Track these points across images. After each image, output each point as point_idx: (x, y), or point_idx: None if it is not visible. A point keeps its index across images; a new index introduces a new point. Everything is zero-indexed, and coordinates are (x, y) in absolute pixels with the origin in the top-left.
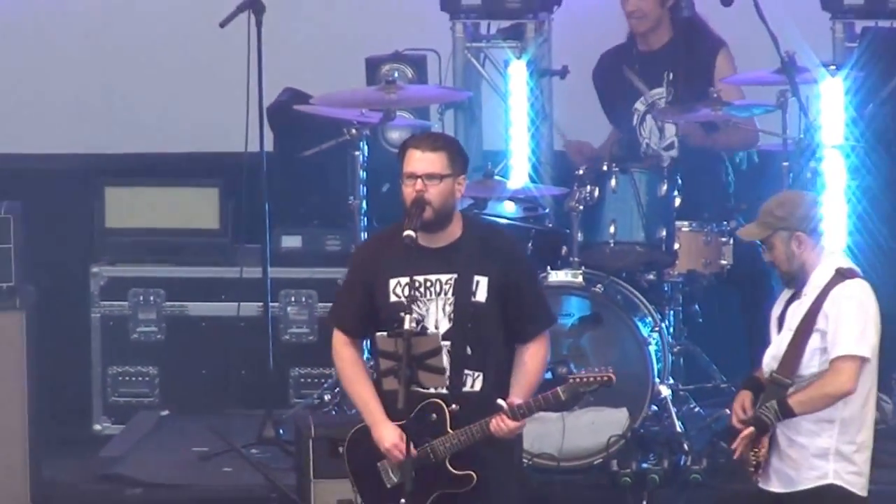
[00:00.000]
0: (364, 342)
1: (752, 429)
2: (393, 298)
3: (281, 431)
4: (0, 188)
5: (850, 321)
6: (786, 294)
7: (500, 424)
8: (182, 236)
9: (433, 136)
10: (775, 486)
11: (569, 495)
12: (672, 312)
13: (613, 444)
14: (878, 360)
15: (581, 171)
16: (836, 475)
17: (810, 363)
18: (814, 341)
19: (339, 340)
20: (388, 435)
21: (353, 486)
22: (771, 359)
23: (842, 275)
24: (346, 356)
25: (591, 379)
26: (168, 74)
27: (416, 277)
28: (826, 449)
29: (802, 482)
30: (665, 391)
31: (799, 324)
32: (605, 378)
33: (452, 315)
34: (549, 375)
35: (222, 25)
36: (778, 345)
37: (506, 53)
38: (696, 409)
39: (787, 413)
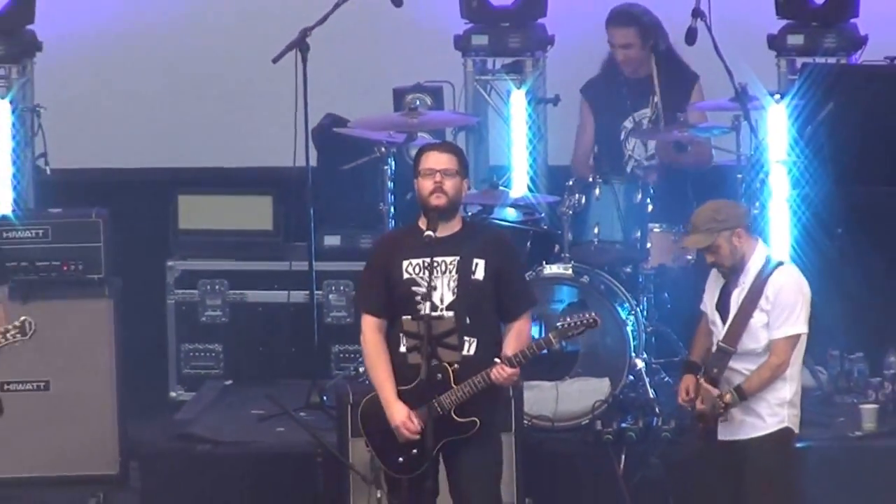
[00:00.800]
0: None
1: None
2: (406, 276)
3: (324, 398)
4: (92, 197)
5: (789, 305)
6: (716, 284)
7: (500, 372)
8: (242, 236)
9: (446, 143)
10: (741, 435)
11: (561, 450)
12: (645, 299)
13: (598, 408)
14: (816, 336)
15: (570, 183)
16: (789, 419)
17: (758, 337)
18: (758, 319)
19: (368, 325)
20: (398, 414)
21: (367, 444)
22: (721, 340)
23: (774, 261)
24: (371, 341)
25: (578, 321)
26: (230, 101)
27: (426, 259)
28: (783, 399)
29: (768, 427)
30: (640, 364)
31: (742, 303)
32: (591, 320)
33: (456, 290)
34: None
35: (274, 61)
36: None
37: (508, 85)
38: (666, 379)
39: (744, 398)
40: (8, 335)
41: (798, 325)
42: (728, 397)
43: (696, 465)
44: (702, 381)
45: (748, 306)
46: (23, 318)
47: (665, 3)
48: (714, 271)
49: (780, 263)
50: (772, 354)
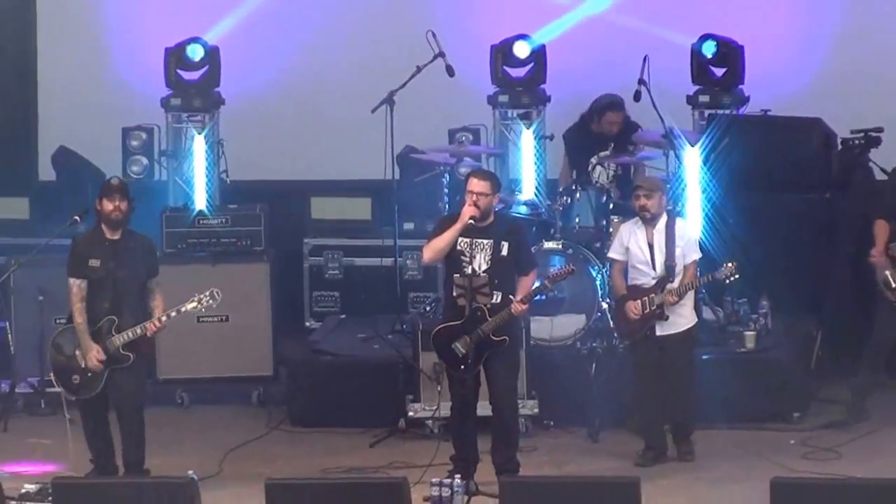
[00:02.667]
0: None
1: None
2: (458, 247)
3: (404, 326)
4: (256, 197)
5: (693, 240)
6: (631, 230)
7: (517, 307)
8: (351, 223)
9: (484, 172)
10: (671, 330)
11: (555, 360)
12: (608, 263)
13: (577, 333)
14: (715, 288)
15: (560, 190)
16: (694, 317)
17: (680, 263)
18: (679, 253)
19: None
20: (468, 210)
21: (439, 357)
22: (660, 264)
23: (673, 215)
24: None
25: (564, 271)
26: (345, 135)
27: (469, 238)
28: (692, 306)
29: (689, 323)
30: (604, 305)
31: (667, 244)
32: (571, 269)
33: (489, 261)
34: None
35: (372, 111)
36: (658, 266)
37: (520, 126)
38: None
39: (681, 296)
40: (203, 302)
41: (698, 252)
42: (673, 297)
43: (637, 353)
44: (645, 298)
45: (671, 246)
46: (212, 289)
47: (619, 71)
48: (626, 226)
49: (678, 214)
50: (687, 273)
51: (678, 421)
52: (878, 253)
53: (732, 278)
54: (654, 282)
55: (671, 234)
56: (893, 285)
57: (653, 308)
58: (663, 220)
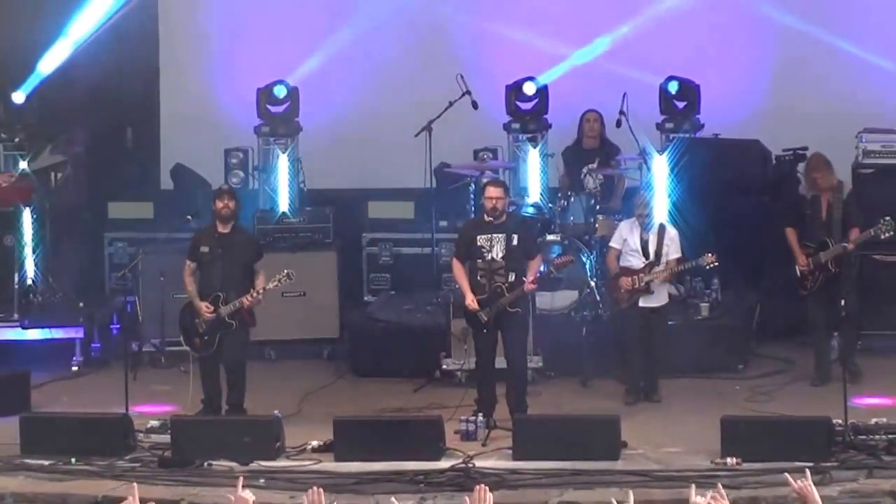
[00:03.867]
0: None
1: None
2: (477, 243)
3: (439, 300)
4: (327, 201)
5: (677, 242)
6: (631, 227)
7: (529, 285)
8: (399, 221)
9: (497, 181)
10: (652, 303)
11: (554, 325)
12: (595, 252)
13: (571, 305)
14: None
15: (559, 195)
16: (667, 298)
17: (666, 257)
18: (664, 250)
19: (456, 263)
20: (469, 300)
21: (467, 323)
22: (647, 260)
23: (663, 223)
24: (458, 268)
25: (566, 260)
26: (393, 153)
27: (488, 234)
28: (669, 286)
29: (664, 300)
30: (592, 283)
31: (657, 243)
32: (570, 259)
33: (504, 251)
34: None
35: (416, 136)
36: (650, 255)
37: (528, 147)
38: (603, 290)
39: (671, 277)
40: (281, 280)
41: (678, 252)
42: (667, 273)
43: (622, 321)
44: (634, 276)
45: (661, 245)
46: (286, 270)
47: (604, 105)
48: (626, 224)
49: (663, 223)
50: (669, 264)
51: (651, 371)
52: (804, 263)
53: (712, 265)
54: (642, 265)
55: (661, 236)
56: (807, 281)
57: (641, 284)
58: (656, 226)
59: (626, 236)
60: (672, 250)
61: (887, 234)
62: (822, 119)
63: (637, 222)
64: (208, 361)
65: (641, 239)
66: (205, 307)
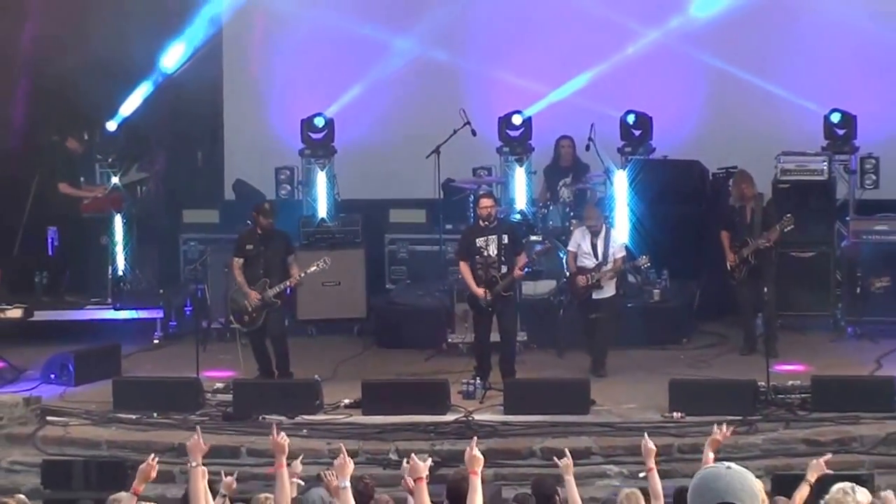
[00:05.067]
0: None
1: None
2: (478, 244)
3: (445, 287)
4: (357, 209)
5: (620, 244)
6: (583, 233)
7: (518, 272)
8: (414, 224)
9: (489, 193)
10: (602, 295)
11: (537, 308)
12: (566, 252)
13: (551, 292)
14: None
15: (540, 204)
16: (614, 290)
17: (612, 258)
18: (611, 252)
19: (462, 263)
20: (478, 290)
21: (469, 306)
22: (597, 261)
23: (609, 227)
24: (464, 267)
25: (544, 249)
26: (409, 171)
27: (484, 237)
28: (616, 283)
29: (612, 293)
30: (567, 275)
31: (604, 246)
32: (548, 247)
33: (497, 249)
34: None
35: (427, 157)
36: (599, 256)
37: (515, 166)
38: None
39: (615, 276)
40: (319, 264)
41: (622, 251)
42: (613, 272)
43: (581, 311)
44: (588, 275)
45: (606, 246)
46: (324, 257)
47: (576, 132)
48: (579, 231)
49: (611, 226)
50: (616, 263)
51: (599, 351)
52: (732, 260)
53: (646, 266)
54: (593, 265)
55: (607, 240)
56: (735, 273)
57: (593, 281)
58: (603, 231)
59: (579, 241)
60: (617, 251)
61: (789, 227)
62: (748, 144)
63: (588, 230)
64: (256, 336)
65: (591, 243)
66: (253, 295)
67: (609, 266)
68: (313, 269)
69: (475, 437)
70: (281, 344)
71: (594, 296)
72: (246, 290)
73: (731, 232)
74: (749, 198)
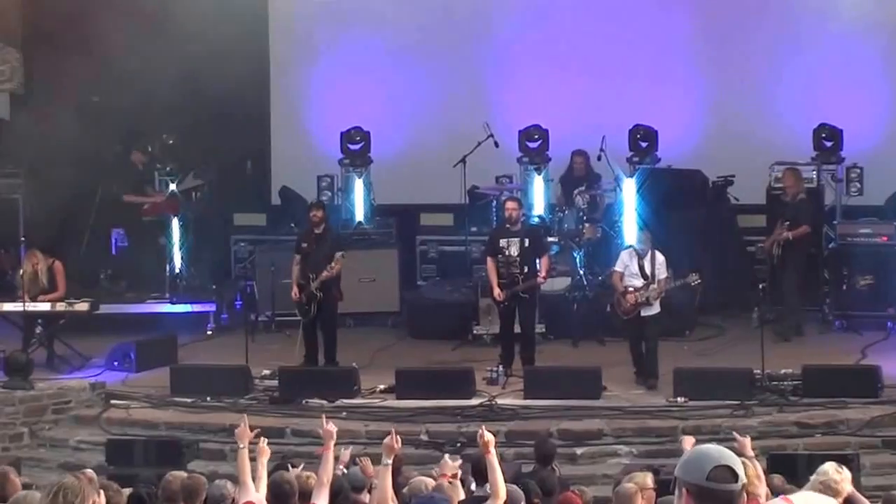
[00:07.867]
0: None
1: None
2: (501, 244)
3: (471, 284)
4: (392, 213)
5: (665, 266)
6: (628, 258)
7: (542, 278)
8: (442, 227)
9: (514, 196)
10: (650, 312)
11: (554, 302)
12: (583, 250)
13: (566, 288)
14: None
15: (557, 209)
16: (660, 308)
17: (658, 277)
18: (657, 273)
19: (489, 260)
20: (497, 294)
21: (492, 301)
22: (645, 280)
23: (655, 251)
24: (489, 264)
25: (682, 284)
26: (436, 178)
27: (507, 237)
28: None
29: (658, 310)
30: (581, 272)
31: (651, 267)
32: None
33: (519, 251)
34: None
35: (454, 166)
36: (646, 275)
37: (533, 175)
38: (592, 278)
39: (661, 294)
40: (338, 259)
41: (665, 273)
42: (660, 290)
43: (630, 324)
44: (637, 293)
45: (653, 267)
46: (341, 252)
47: (589, 144)
48: (626, 252)
49: (657, 248)
50: (660, 283)
51: (651, 363)
52: (766, 244)
53: (696, 282)
54: (641, 284)
55: (653, 261)
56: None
57: (642, 300)
58: (649, 253)
59: (626, 262)
60: (661, 272)
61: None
62: (745, 154)
63: (635, 251)
64: (307, 326)
65: (639, 264)
66: (295, 288)
67: (656, 285)
68: (335, 263)
69: (483, 426)
70: (330, 334)
71: (642, 313)
72: (293, 286)
73: (776, 221)
74: (789, 192)
